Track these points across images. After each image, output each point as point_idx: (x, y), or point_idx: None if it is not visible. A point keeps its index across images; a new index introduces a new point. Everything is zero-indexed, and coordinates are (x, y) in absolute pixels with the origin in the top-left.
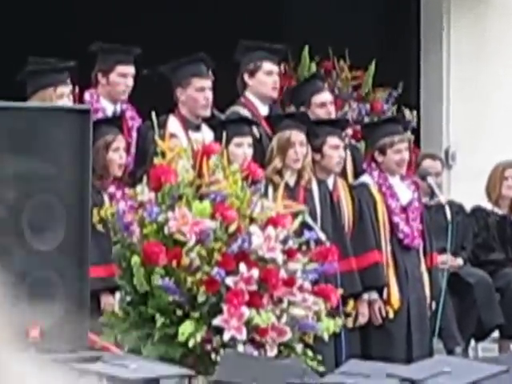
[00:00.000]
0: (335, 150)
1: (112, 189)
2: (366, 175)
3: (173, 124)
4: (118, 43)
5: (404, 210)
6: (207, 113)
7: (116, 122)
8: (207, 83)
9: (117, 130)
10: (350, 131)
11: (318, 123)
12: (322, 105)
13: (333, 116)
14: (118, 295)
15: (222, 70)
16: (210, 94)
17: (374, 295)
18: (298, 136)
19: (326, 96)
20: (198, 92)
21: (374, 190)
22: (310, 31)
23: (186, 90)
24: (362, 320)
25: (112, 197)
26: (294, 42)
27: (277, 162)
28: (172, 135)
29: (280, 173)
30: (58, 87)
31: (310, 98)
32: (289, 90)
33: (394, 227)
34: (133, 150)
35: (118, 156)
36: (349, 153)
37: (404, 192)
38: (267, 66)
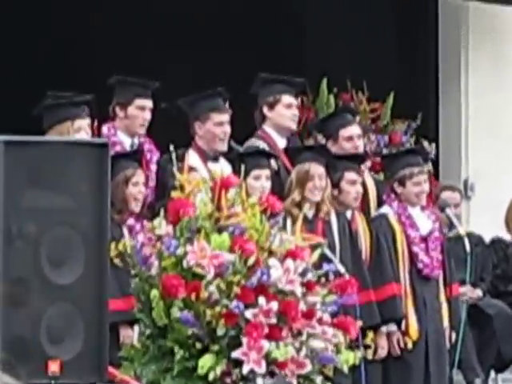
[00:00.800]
0: (352, 185)
1: (131, 221)
2: (386, 206)
3: (192, 157)
4: (136, 76)
5: (424, 239)
6: (224, 147)
7: (135, 156)
8: (225, 118)
9: (136, 164)
10: (368, 163)
11: (337, 157)
12: (349, 138)
13: (360, 150)
14: (136, 328)
15: (240, 103)
16: (228, 129)
17: (393, 327)
18: (317, 169)
19: (353, 130)
20: (217, 126)
21: (393, 220)
22: (328, 64)
23: (204, 124)
24: (382, 353)
25: (131, 229)
26: (311, 75)
27: (296, 195)
28: (191, 168)
29: (299, 205)
30: (75, 121)
31: (338, 131)
32: (312, 123)
33: (413, 257)
34: (151, 182)
35: (138, 190)
36: (373, 185)
37: (424, 222)
38: (286, 98)
